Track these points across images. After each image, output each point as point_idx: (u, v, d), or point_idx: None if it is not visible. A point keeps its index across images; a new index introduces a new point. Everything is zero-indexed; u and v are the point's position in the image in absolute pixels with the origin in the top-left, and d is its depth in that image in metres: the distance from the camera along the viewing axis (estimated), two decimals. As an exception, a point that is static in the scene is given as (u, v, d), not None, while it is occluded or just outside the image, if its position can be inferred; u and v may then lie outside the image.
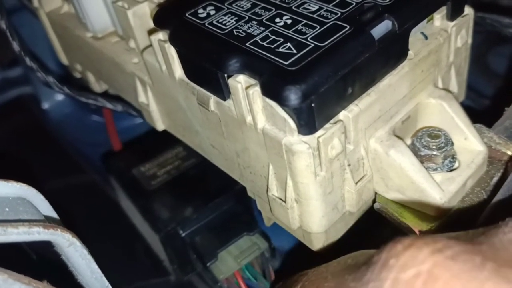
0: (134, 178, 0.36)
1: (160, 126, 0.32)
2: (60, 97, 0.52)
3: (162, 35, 0.25)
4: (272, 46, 0.22)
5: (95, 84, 0.40)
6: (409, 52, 0.24)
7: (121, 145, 0.43)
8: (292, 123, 0.21)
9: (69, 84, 0.37)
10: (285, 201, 0.24)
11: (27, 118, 0.52)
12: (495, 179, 0.26)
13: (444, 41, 0.26)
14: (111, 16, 0.33)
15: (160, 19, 0.25)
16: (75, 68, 0.41)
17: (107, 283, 0.22)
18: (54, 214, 0.22)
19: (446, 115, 0.26)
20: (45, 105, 0.53)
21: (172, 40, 0.24)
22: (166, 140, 0.36)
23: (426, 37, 0.25)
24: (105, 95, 0.38)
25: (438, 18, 0.26)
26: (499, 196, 0.23)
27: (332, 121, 0.22)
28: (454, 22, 0.26)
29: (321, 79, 0.20)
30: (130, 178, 0.36)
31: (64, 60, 0.42)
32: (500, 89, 0.44)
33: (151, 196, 0.34)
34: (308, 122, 0.21)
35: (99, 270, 0.21)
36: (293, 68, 0.20)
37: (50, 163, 0.46)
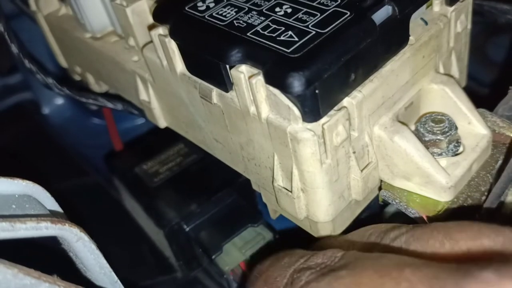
0: (136, 176, 0.36)
1: (162, 123, 0.32)
2: (60, 101, 0.53)
3: (162, 30, 0.25)
4: (274, 35, 0.22)
5: (95, 85, 0.40)
6: (410, 37, 0.24)
7: (122, 146, 0.43)
8: (296, 111, 0.21)
9: (69, 85, 0.37)
10: (291, 191, 0.24)
11: (28, 123, 0.52)
12: (500, 162, 0.26)
13: (444, 26, 0.26)
14: (109, 15, 0.33)
15: (160, 14, 0.25)
16: (75, 70, 0.41)
17: (116, 278, 0.22)
18: (60, 211, 0.22)
19: (449, 100, 0.26)
20: (46, 110, 0.53)
21: (173, 34, 0.24)
22: (168, 137, 0.36)
23: (426, 23, 0.25)
24: (105, 94, 0.38)
25: (437, 4, 0.26)
26: (500, 182, 0.23)
27: (336, 108, 0.22)
28: (453, 7, 0.26)
29: (324, 65, 0.20)
30: (132, 177, 0.36)
31: (63, 63, 0.42)
32: (498, 78, 0.44)
33: (154, 193, 0.35)
34: (312, 109, 0.21)
35: (108, 265, 0.21)
36: (296, 55, 0.20)
37: (53, 166, 0.46)
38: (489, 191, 0.25)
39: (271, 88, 0.21)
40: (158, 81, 0.29)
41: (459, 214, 0.24)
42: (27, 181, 0.21)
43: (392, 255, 0.18)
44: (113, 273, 0.22)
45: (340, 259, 0.19)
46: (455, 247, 0.17)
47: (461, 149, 0.25)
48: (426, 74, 0.26)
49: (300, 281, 0.19)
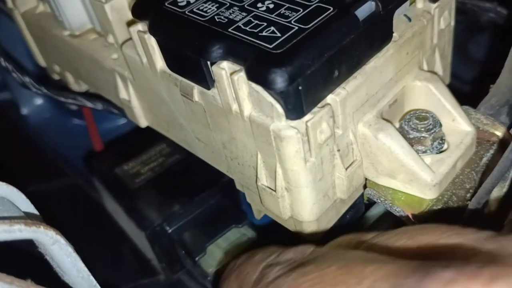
0: (117, 177, 0.35)
1: (143, 122, 0.32)
2: (39, 101, 0.51)
3: (141, 26, 0.25)
4: (256, 31, 0.21)
5: (74, 84, 0.39)
6: (394, 34, 0.24)
7: (103, 146, 0.42)
8: (279, 108, 0.20)
9: (48, 85, 0.36)
10: (275, 190, 0.23)
11: (6, 124, 0.51)
12: (485, 159, 0.26)
13: (428, 22, 0.25)
14: (88, 13, 0.32)
15: (139, 10, 0.25)
16: (53, 69, 0.40)
17: (94, 282, 0.21)
18: (36, 213, 0.21)
19: (433, 97, 0.26)
20: (24, 111, 0.52)
21: (152, 30, 0.24)
22: (149, 137, 0.35)
23: (409, 19, 0.25)
24: (85, 94, 0.37)
25: (421, 0, 0.25)
26: (492, 178, 0.23)
27: (319, 105, 0.22)
28: (436, 4, 0.26)
29: (307, 61, 0.20)
30: (113, 178, 0.35)
31: (41, 61, 0.41)
32: (480, 76, 0.44)
33: (136, 194, 0.34)
34: (295, 106, 0.20)
35: (86, 269, 0.21)
36: (278, 51, 0.20)
37: (31, 168, 0.45)
38: (475, 188, 0.25)
39: (253, 85, 0.21)
40: (138, 79, 0.28)
41: (444, 211, 0.24)
42: (1, 182, 0.20)
43: (360, 252, 0.18)
44: (91, 277, 0.21)
45: (309, 254, 0.20)
46: (419, 248, 0.18)
47: (445, 146, 0.25)
48: (410, 71, 0.26)
49: (268, 277, 0.19)
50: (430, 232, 0.18)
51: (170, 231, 0.32)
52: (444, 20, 0.27)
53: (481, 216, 0.23)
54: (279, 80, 0.19)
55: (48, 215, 0.22)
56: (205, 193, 0.33)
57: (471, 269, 0.14)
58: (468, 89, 0.43)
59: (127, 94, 0.31)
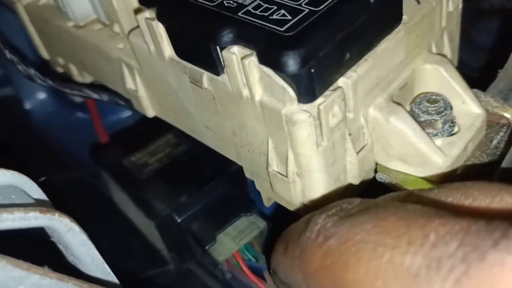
0: (125, 168, 0.35)
1: (150, 112, 0.32)
2: (42, 96, 0.51)
3: (148, 13, 0.25)
4: (266, 14, 0.21)
5: (78, 76, 0.38)
6: (403, 16, 0.24)
7: (108, 138, 0.42)
8: (291, 92, 0.20)
9: (52, 77, 0.36)
10: (286, 176, 0.23)
11: (10, 119, 0.51)
12: (495, 141, 0.26)
13: (436, 5, 0.25)
14: (92, 2, 0.32)
15: (146, -3, 0.25)
16: (57, 61, 0.39)
17: (109, 270, 0.21)
18: (48, 202, 0.21)
19: (443, 80, 0.26)
20: (28, 105, 0.51)
21: (160, 16, 0.23)
22: (156, 128, 0.35)
23: (418, 2, 0.25)
24: (90, 85, 0.37)
25: (429, -18, 0.25)
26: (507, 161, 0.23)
27: (331, 88, 0.21)
28: (445, -14, 0.26)
29: (319, 43, 0.20)
30: (121, 169, 0.35)
31: (45, 54, 0.40)
32: (484, 62, 0.44)
33: (144, 185, 0.34)
34: (308, 89, 0.20)
35: (100, 257, 0.21)
36: (290, 34, 0.20)
37: (36, 163, 0.45)
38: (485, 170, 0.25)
39: (265, 69, 0.21)
40: (145, 68, 0.28)
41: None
42: (13, 171, 0.20)
43: (418, 206, 0.16)
44: (105, 265, 0.21)
45: (359, 205, 0.18)
46: (474, 203, 0.16)
47: (456, 129, 0.25)
48: (419, 54, 0.25)
49: (316, 224, 0.17)
50: (486, 187, 0.16)
51: (179, 220, 0.32)
52: (452, 3, 0.26)
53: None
54: (292, 62, 0.19)
55: (57, 208, 0.22)
56: (214, 182, 0.33)
57: None
58: (475, 76, 0.43)
59: (134, 84, 0.30)
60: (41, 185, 0.22)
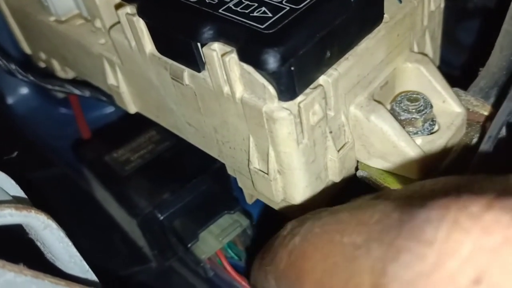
0: (107, 165, 0.35)
1: (132, 108, 0.31)
2: (25, 90, 0.50)
3: (129, 9, 0.24)
4: (247, 11, 0.21)
5: (60, 71, 0.38)
6: (385, 15, 0.24)
7: (90, 134, 0.41)
8: (271, 89, 0.20)
9: (33, 72, 0.36)
10: (267, 173, 0.23)
11: (-9, 114, 0.50)
12: (475, 140, 0.26)
13: (418, 4, 0.25)
14: (74, -3, 0.31)
15: (127, -8, 0.24)
16: (39, 56, 0.39)
17: (87, 267, 0.21)
18: (25, 198, 0.21)
19: (424, 79, 0.26)
20: (10, 100, 0.50)
21: (141, 12, 0.23)
22: (138, 124, 0.35)
23: (400, 1, 0.25)
24: (72, 81, 0.36)
25: (411, -19, 0.25)
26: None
27: (312, 86, 0.21)
28: (426, -15, 0.26)
29: (299, 41, 0.20)
30: (102, 165, 0.35)
31: (26, 49, 0.40)
32: (467, 61, 0.44)
33: (126, 181, 0.34)
34: (288, 87, 0.20)
35: (78, 254, 0.20)
36: (270, 31, 0.20)
37: (18, 158, 0.44)
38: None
39: (245, 66, 0.21)
40: (127, 64, 0.28)
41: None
42: (-12, 168, 0.20)
43: (370, 199, 0.18)
44: (84, 262, 0.21)
45: (322, 212, 0.19)
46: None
47: (436, 127, 0.25)
48: (401, 53, 0.25)
49: (285, 229, 0.19)
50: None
51: (161, 218, 0.31)
52: (434, 2, 0.27)
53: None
54: (272, 60, 0.19)
55: (37, 205, 0.22)
56: (196, 180, 0.32)
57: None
58: (457, 74, 0.43)
59: (115, 79, 0.30)
60: (20, 183, 0.22)
